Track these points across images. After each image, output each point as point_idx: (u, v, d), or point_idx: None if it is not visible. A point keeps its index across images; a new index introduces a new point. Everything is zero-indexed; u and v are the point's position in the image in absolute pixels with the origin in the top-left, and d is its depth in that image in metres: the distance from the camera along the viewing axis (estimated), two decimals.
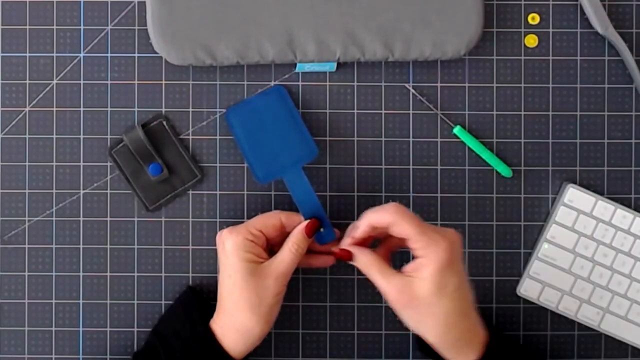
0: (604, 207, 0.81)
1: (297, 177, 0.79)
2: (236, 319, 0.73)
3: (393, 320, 0.82)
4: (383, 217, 0.71)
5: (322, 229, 0.77)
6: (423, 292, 0.69)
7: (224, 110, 0.83)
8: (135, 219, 0.83)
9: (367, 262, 0.72)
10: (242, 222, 0.77)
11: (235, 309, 0.73)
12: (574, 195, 0.81)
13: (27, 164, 0.83)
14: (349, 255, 0.74)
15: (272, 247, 0.78)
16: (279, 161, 0.80)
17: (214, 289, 0.79)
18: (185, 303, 0.79)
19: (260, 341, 0.75)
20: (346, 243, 0.75)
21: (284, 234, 0.77)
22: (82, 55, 0.83)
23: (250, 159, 0.80)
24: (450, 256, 0.70)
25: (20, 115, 0.83)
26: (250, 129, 0.80)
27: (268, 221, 0.76)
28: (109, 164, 0.83)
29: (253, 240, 0.74)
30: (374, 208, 0.73)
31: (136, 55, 0.83)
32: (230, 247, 0.74)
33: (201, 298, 0.81)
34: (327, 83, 0.83)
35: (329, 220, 0.78)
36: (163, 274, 0.83)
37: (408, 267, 0.71)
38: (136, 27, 0.83)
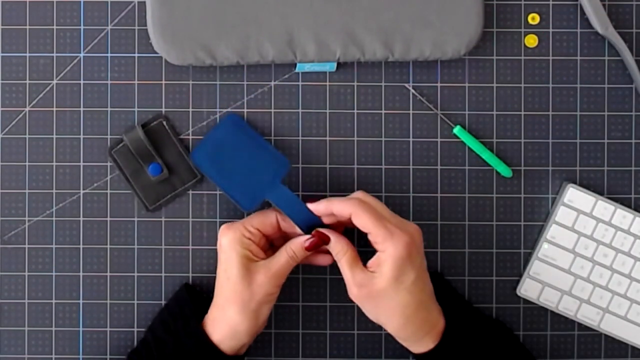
0: (604, 207, 0.81)
1: (280, 193, 0.78)
2: (226, 313, 0.74)
3: None
4: (343, 208, 0.73)
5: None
6: (381, 286, 0.72)
7: (224, 111, 0.83)
8: (135, 219, 0.83)
9: (340, 250, 0.74)
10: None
11: (226, 302, 0.74)
12: (574, 195, 0.81)
13: (27, 164, 0.83)
14: (326, 239, 0.75)
15: (272, 241, 0.79)
16: (257, 184, 0.79)
17: (213, 289, 0.79)
18: (178, 299, 0.79)
19: (248, 338, 0.75)
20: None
21: (283, 232, 0.77)
22: (82, 55, 0.83)
23: (230, 192, 0.79)
24: (408, 251, 0.71)
25: (20, 115, 0.83)
26: (219, 163, 0.80)
27: (266, 220, 0.76)
28: (109, 164, 0.83)
29: (250, 237, 0.75)
30: (339, 198, 0.75)
31: (136, 55, 0.83)
32: (227, 242, 0.75)
33: (196, 294, 0.81)
34: (327, 83, 0.83)
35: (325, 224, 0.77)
36: (163, 274, 0.83)
37: (370, 263, 0.73)
38: (136, 27, 0.83)
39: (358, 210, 0.72)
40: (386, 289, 0.72)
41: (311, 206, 0.76)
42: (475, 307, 0.82)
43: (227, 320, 0.74)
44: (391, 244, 0.71)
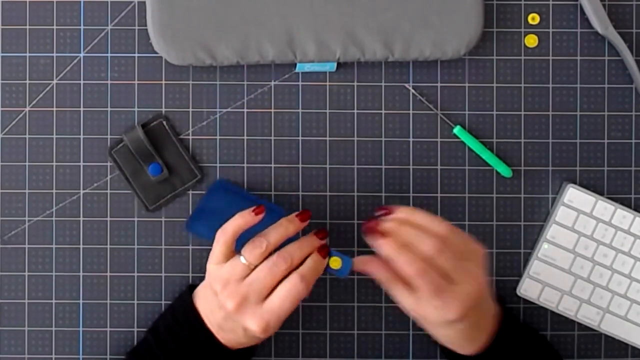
0: (604, 207, 0.81)
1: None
2: (242, 340, 0.74)
3: (393, 320, 0.82)
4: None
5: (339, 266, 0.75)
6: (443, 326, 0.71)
7: (224, 110, 0.83)
8: (135, 219, 0.83)
9: (385, 279, 0.72)
10: None
11: (244, 339, 0.74)
12: (574, 195, 0.81)
13: (27, 164, 0.83)
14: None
15: None
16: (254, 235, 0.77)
17: None
18: (184, 305, 0.77)
19: None
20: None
21: None
22: (82, 55, 0.83)
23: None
24: (467, 314, 0.69)
25: (20, 115, 0.83)
26: (216, 228, 0.76)
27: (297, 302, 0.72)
28: (109, 164, 0.83)
29: None
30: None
31: (136, 55, 0.83)
32: (261, 333, 0.72)
33: None
34: (327, 83, 0.83)
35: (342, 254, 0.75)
36: (163, 274, 0.83)
37: None
38: (136, 27, 0.83)
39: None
40: (447, 328, 0.71)
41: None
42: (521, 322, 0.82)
43: (242, 342, 0.75)
44: (452, 315, 0.69)
